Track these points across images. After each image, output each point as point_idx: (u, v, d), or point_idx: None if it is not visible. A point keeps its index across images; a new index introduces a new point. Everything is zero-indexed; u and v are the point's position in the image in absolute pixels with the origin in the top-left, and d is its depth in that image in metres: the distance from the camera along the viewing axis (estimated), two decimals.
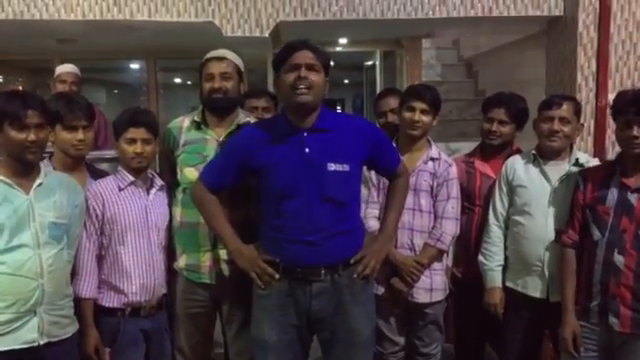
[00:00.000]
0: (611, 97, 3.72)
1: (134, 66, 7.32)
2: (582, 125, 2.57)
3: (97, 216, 2.19)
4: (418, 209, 2.50)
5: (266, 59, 4.90)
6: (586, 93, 3.94)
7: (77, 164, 2.31)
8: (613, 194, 2.16)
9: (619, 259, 2.11)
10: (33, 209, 1.93)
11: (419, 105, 2.48)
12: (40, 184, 1.97)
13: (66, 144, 2.24)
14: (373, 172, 2.44)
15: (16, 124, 1.87)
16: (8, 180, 1.91)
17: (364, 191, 2.51)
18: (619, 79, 3.94)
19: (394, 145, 2.50)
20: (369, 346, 2.20)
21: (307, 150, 2.01)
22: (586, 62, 3.95)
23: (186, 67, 7.33)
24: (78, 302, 2.12)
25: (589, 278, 2.19)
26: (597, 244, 2.17)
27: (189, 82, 9.15)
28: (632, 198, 2.12)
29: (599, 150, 3.89)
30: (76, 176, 2.23)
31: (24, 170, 1.95)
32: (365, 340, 2.14)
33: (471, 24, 4.57)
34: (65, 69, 3.84)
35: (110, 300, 2.22)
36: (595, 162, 2.50)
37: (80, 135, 2.24)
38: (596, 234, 2.18)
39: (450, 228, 2.50)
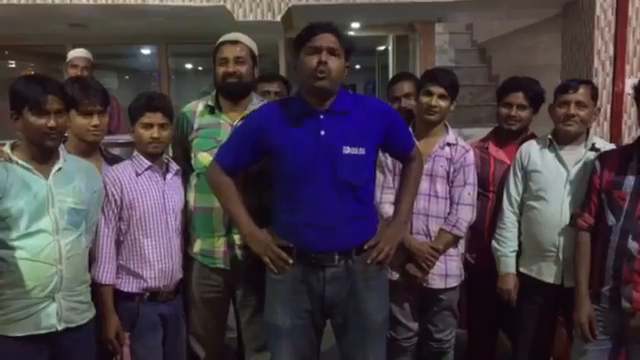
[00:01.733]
0: (629, 82, 3.69)
1: (145, 51, 7.32)
2: (599, 109, 2.54)
3: (115, 202, 2.19)
4: (434, 195, 2.48)
5: (278, 44, 4.88)
6: (603, 78, 3.88)
7: (91, 149, 2.31)
8: (629, 180, 2.13)
9: (633, 245, 2.09)
10: (52, 194, 1.92)
11: (437, 90, 2.45)
12: (59, 169, 1.97)
13: (81, 129, 2.23)
14: (389, 157, 2.42)
15: (36, 110, 1.87)
16: (27, 165, 1.91)
17: (380, 176, 2.49)
18: (637, 63, 3.86)
19: (410, 129, 2.48)
20: (382, 332, 2.20)
21: (322, 133, 2.00)
22: (603, 46, 3.88)
23: (197, 53, 7.31)
24: (97, 288, 2.13)
25: (602, 263, 2.18)
26: (611, 229, 2.15)
27: (200, 68, 9.14)
28: None
29: (615, 135, 3.84)
30: (90, 161, 2.22)
31: (43, 155, 1.94)
32: (378, 326, 2.15)
33: (486, 8, 4.52)
34: (77, 54, 3.83)
35: (129, 285, 2.23)
36: (611, 147, 2.46)
37: (95, 120, 2.24)
38: (610, 219, 2.16)
39: (466, 214, 2.48)
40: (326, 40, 1.96)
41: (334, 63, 1.97)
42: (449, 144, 2.51)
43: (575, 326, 2.25)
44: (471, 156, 2.53)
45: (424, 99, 2.48)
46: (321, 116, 2.01)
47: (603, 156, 2.27)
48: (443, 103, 2.47)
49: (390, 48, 6.59)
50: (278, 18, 4.13)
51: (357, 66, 10.61)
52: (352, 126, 2.02)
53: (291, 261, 2.04)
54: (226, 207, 2.18)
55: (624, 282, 2.10)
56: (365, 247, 2.07)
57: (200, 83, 8.40)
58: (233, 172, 2.13)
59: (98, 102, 2.25)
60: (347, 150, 1.99)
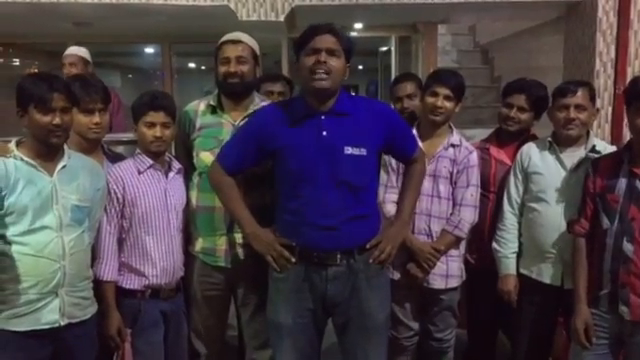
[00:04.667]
0: None
1: (149, 50, 7.35)
2: (597, 110, 2.54)
3: (118, 199, 2.20)
4: (436, 195, 2.49)
5: (281, 43, 4.89)
6: (604, 80, 3.88)
7: (93, 147, 2.31)
8: (622, 182, 2.13)
9: (628, 247, 2.09)
10: (57, 191, 1.94)
11: (443, 91, 2.46)
12: (64, 166, 1.98)
13: (83, 127, 2.23)
14: None
15: (42, 107, 1.88)
16: (32, 161, 1.92)
17: (383, 175, 2.51)
18: (638, 66, 3.87)
19: (414, 131, 2.49)
20: (383, 331, 2.21)
21: (324, 133, 2.01)
22: (605, 48, 3.88)
23: (201, 52, 7.33)
24: (99, 284, 2.14)
25: (599, 267, 2.17)
26: (606, 233, 2.14)
27: (203, 67, 9.17)
28: None
29: (617, 137, 3.84)
30: (92, 159, 2.23)
31: (48, 152, 1.96)
32: (379, 325, 2.15)
33: (488, 9, 4.52)
34: (68, 51, 3.82)
35: (130, 282, 2.24)
36: (612, 149, 2.47)
37: (97, 118, 2.24)
38: (605, 223, 2.15)
39: (469, 215, 2.49)
40: (325, 41, 1.97)
41: (334, 62, 1.97)
42: (453, 145, 2.51)
43: (572, 331, 2.25)
44: (475, 157, 2.53)
45: (430, 100, 2.48)
46: (322, 117, 2.03)
47: (596, 161, 2.27)
48: (448, 104, 2.47)
49: (393, 49, 6.58)
50: (281, 18, 4.14)
51: (360, 67, 10.63)
52: (353, 127, 2.03)
53: (294, 260, 2.05)
54: (228, 207, 2.19)
55: (621, 285, 2.10)
56: (367, 246, 2.08)
57: (203, 82, 8.44)
58: (235, 173, 2.15)
59: (99, 100, 2.25)
60: (349, 150, 2.01)
